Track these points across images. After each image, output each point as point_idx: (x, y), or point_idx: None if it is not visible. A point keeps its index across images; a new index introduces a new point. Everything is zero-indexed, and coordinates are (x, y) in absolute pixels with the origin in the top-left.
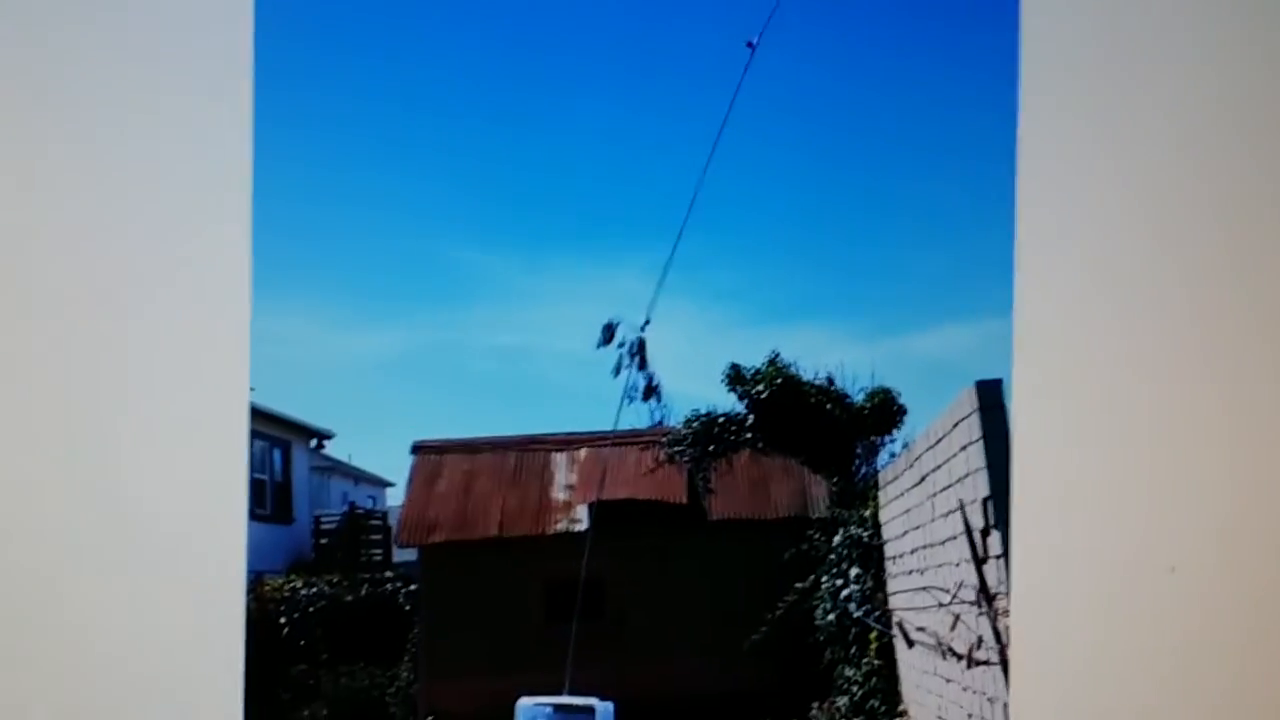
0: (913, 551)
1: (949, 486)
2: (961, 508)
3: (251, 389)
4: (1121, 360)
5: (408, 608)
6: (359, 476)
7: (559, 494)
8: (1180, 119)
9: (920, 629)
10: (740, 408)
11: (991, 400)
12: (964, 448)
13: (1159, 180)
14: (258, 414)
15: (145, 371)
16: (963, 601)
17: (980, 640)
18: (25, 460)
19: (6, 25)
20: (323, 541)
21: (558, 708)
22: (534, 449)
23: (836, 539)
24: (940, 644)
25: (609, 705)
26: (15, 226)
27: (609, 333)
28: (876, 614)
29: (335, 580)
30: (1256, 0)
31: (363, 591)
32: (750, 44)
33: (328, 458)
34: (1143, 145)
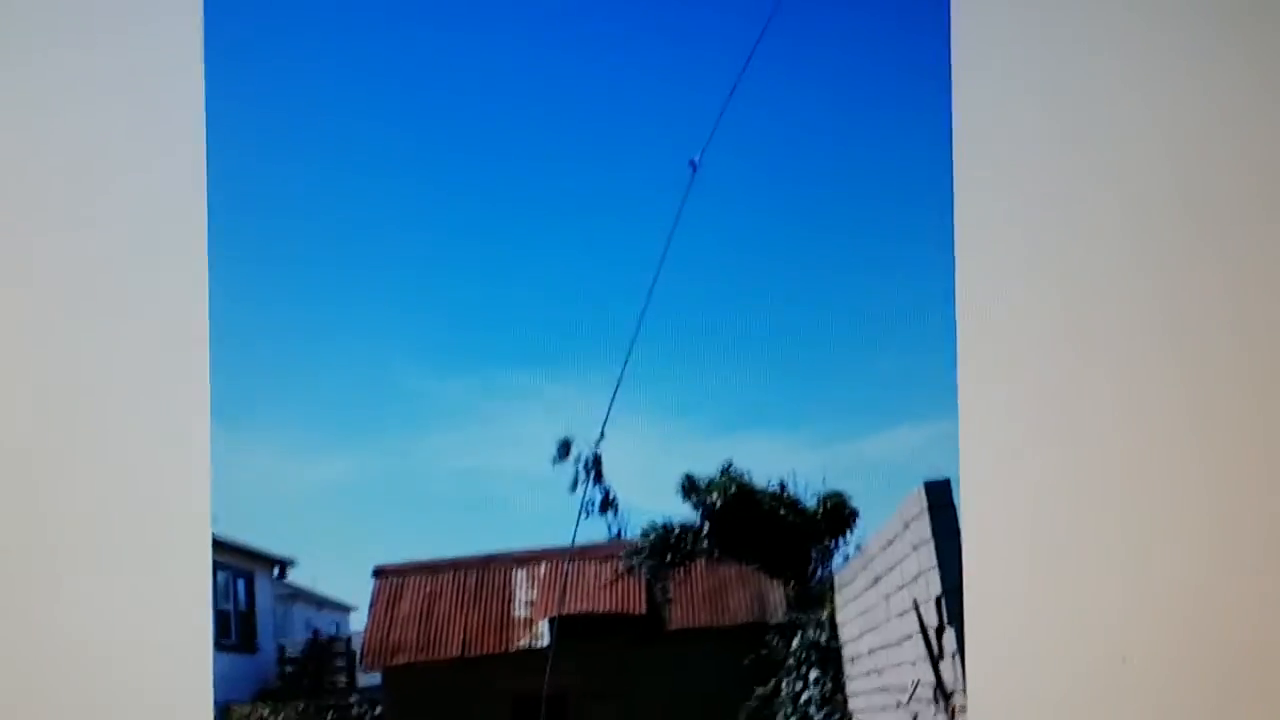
0: (870, 652)
1: (903, 586)
2: (916, 607)
3: (213, 520)
4: (1064, 459)
5: None
6: (322, 602)
7: (520, 610)
8: (1118, 216)
9: None
10: (695, 517)
11: (941, 500)
12: (915, 547)
13: (1093, 284)
14: (220, 545)
15: (109, 507)
16: (920, 700)
17: None
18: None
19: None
20: (288, 669)
21: None
22: (494, 567)
23: (795, 643)
24: None
25: None
26: None
27: (565, 449)
28: (836, 716)
29: (302, 707)
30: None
31: (329, 717)
32: (693, 162)
33: (290, 585)
34: (1075, 255)
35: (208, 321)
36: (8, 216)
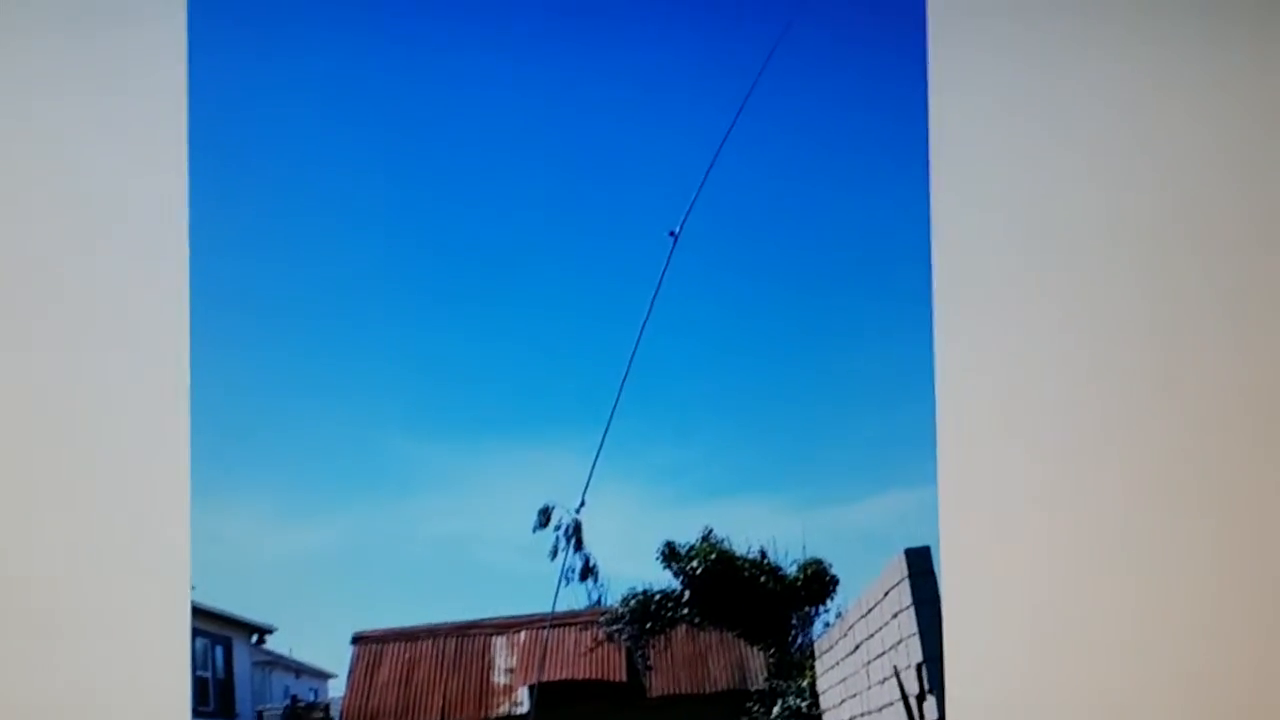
0: (851, 719)
1: (883, 653)
2: (896, 674)
3: (192, 588)
4: (1045, 526)
5: None
6: (300, 669)
7: (500, 678)
8: (1100, 282)
9: None
10: (676, 584)
11: (921, 567)
12: (896, 615)
13: (1074, 351)
14: (199, 612)
15: (87, 572)
16: None
17: None
18: None
19: None
20: None
21: None
22: (473, 634)
23: (775, 710)
24: None
25: None
26: None
27: (545, 516)
28: None
29: None
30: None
31: None
32: (673, 233)
33: (269, 652)
34: (1056, 321)
35: (188, 384)
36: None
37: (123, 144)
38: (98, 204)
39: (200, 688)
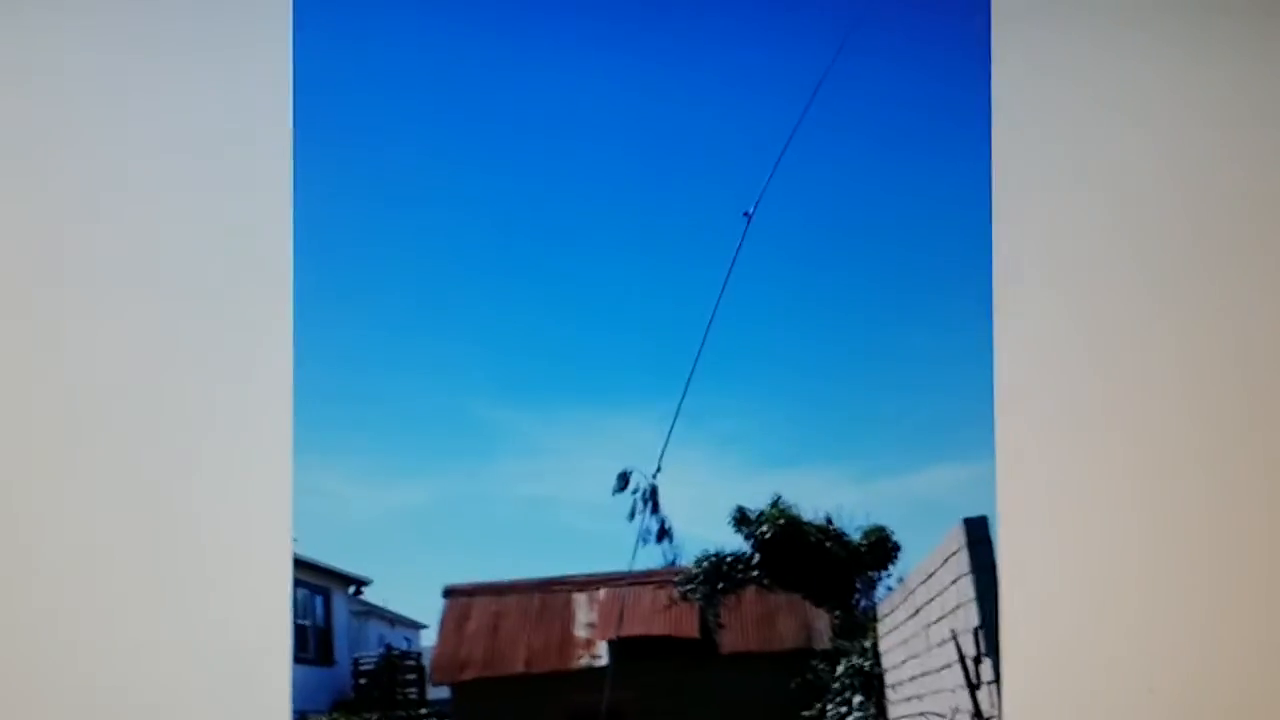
0: (911, 679)
1: (942, 618)
2: (954, 637)
3: (294, 540)
4: (1098, 495)
5: None
6: (395, 620)
7: (580, 631)
8: (1148, 272)
9: None
10: (746, 547)
11: (978, 536)
12: (954, 581)
13: (1130, 331)
14: (300, 564)
15: (196, 530)
16: None
17: None
18: (85, 611)
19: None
20: (362, 682)
21: None
22: (556, 590)
23: (839, 669)
24: None
25: None
26: (77, 405)
27: (623, 481)
28: None
29: (374, 718)
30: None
31: None
32: (747, 214)
33: (365, 603)
34: (1113, 301)
35: (292, 353)
36: (103, 250)
37: (229, 121)
38: (206, 176)
39: (301, 635)
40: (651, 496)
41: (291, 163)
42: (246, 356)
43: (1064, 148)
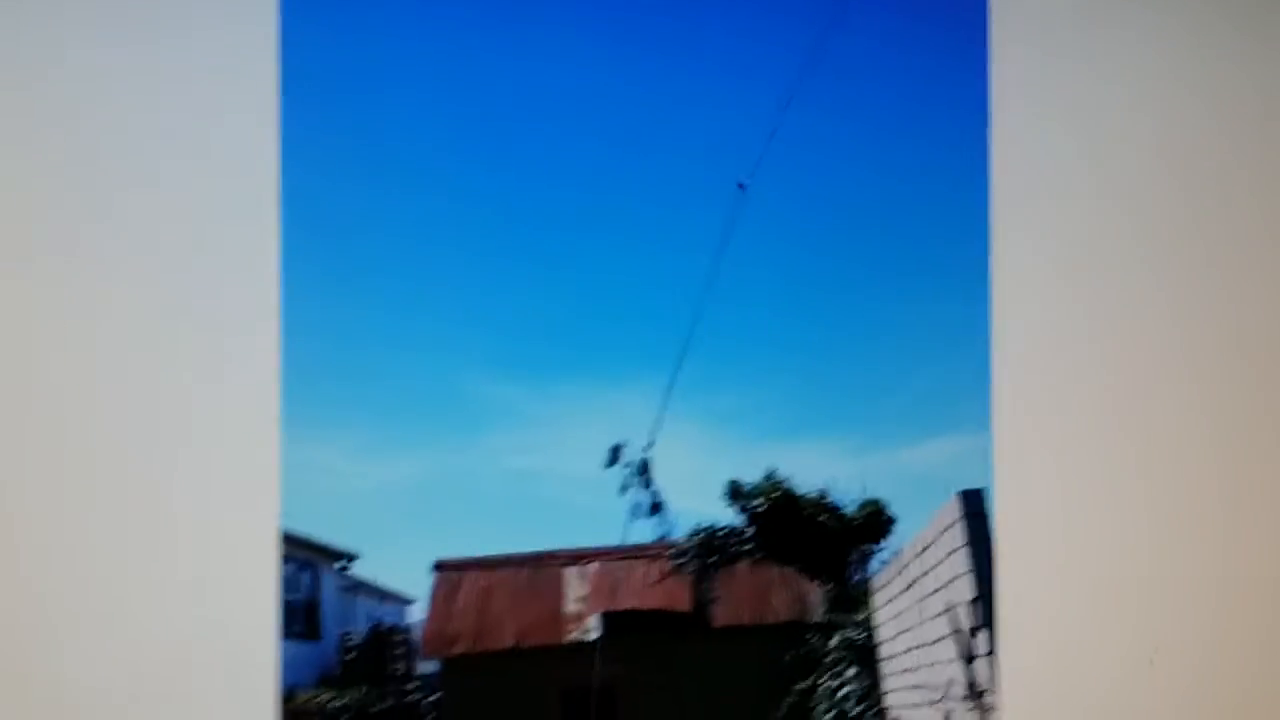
0: (906, 651)
1: (937, 590)
2: (949, 610)
3: (282, 515)
4: (1096, 466)
5: (431, 716)
6: (383, 594)
7: (571, 606)
8: (1144, 242)
9: None
10: (740, 521)
11: (974, 508)
12: (950, 553)
13: (1124, 300)
14: (288, 538)
15: (184, 499)
16: (953, 698)
17: None
18: (66, 587)
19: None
20: (350, 657)
21: None
22: (547, 564)
23: (833, 642)
24: None
25: None
26: (62, 380)
27: (615, 454)
28: (873, 712)
29: (363, 692)
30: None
31: (388, 702)
32: (741, 185)
33: (353, 578)
34: (1108, 275)
35: (279, 327)
36: (86, 223)
37: (213, 87)
38: (192, 155)
39: (289, 610)
40: (644, 470)
41: (278, 123)
42: (233, 331)
43: (1063, 122)
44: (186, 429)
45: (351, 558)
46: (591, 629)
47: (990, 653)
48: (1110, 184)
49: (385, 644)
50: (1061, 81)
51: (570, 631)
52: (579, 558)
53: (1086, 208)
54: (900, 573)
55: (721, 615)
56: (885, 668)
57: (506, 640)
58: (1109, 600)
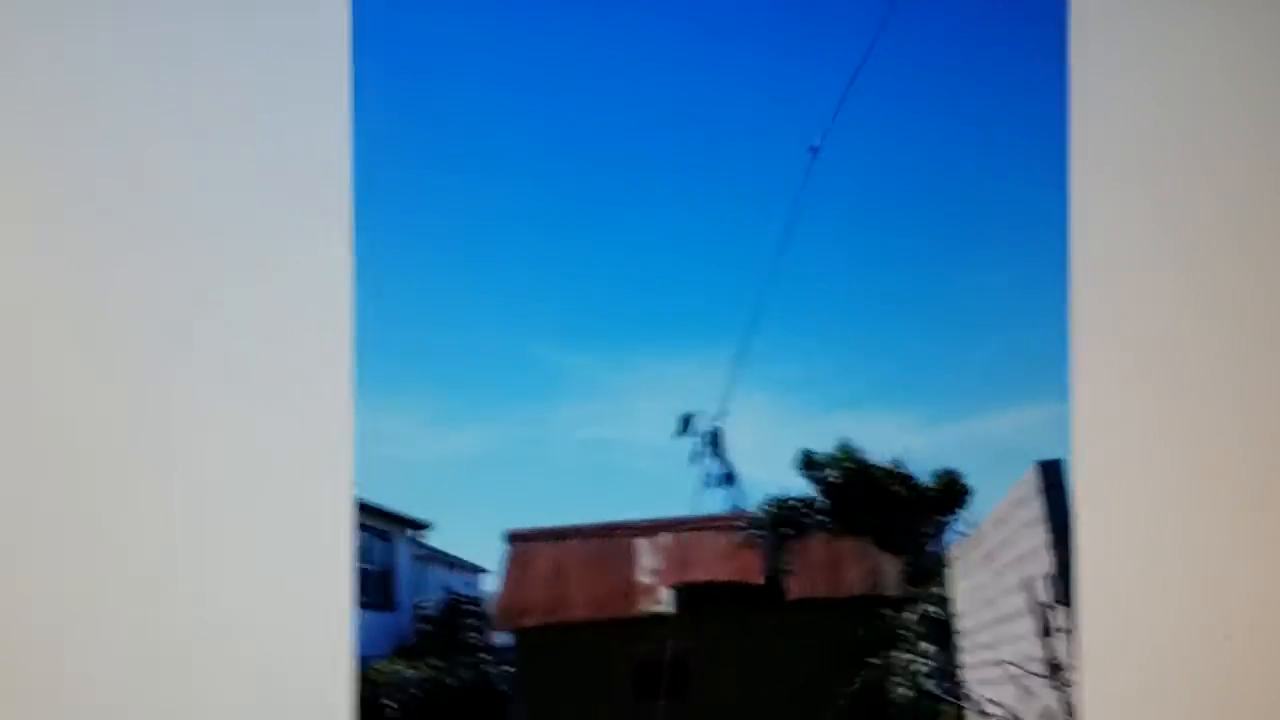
0: (982, 626)
1: (1015, 563)
2: (1027, 584)
3: (356, 485)
4: (1174, 439)
5: (503, 688)
6: (456, 564)
7: (643, 577)
8: (1232, 205)
9: (992, 701)
10: (813, 492)
11: (1053, 480)
12: (1028, 526)
13: (1207, 266)
14: (362, 508)
15: (259, 475)
16: (1031, 674)
17: (1050, 711)
18: (146, 558)
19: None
20: (424, 627)
21: None
22: (619, 535)
23: (908, 616)
24: (1011, 716)
25: None
26: (139, 351)
27: (687, 423)
28: (948, 687)
29: (436, 663)
30: None
31: (462, 674)
32: (813, 148)
33: (427, 547)
34: (1191, 239)
35: (353, 299)
36: (162, 192)
37: (285, 59)
38: (262, 118)
39: (363, 580)
40: (715, 439)
41: (351, 115)
42: (307, 302)
43: (1146, 81)
44: (261, 399)
45: (424, 527)
46: (663, 601)
47: (1068, 628)
48: (1196, 146)
49: (458, 614)
50: (1144, 41)
51: (642, 603)
52: (651, 529)
53: (1171, 169)
54: (977, 545)
55: (795, 588)
56: (961, 642)
57: (578, 612)
58: (1188, 575)
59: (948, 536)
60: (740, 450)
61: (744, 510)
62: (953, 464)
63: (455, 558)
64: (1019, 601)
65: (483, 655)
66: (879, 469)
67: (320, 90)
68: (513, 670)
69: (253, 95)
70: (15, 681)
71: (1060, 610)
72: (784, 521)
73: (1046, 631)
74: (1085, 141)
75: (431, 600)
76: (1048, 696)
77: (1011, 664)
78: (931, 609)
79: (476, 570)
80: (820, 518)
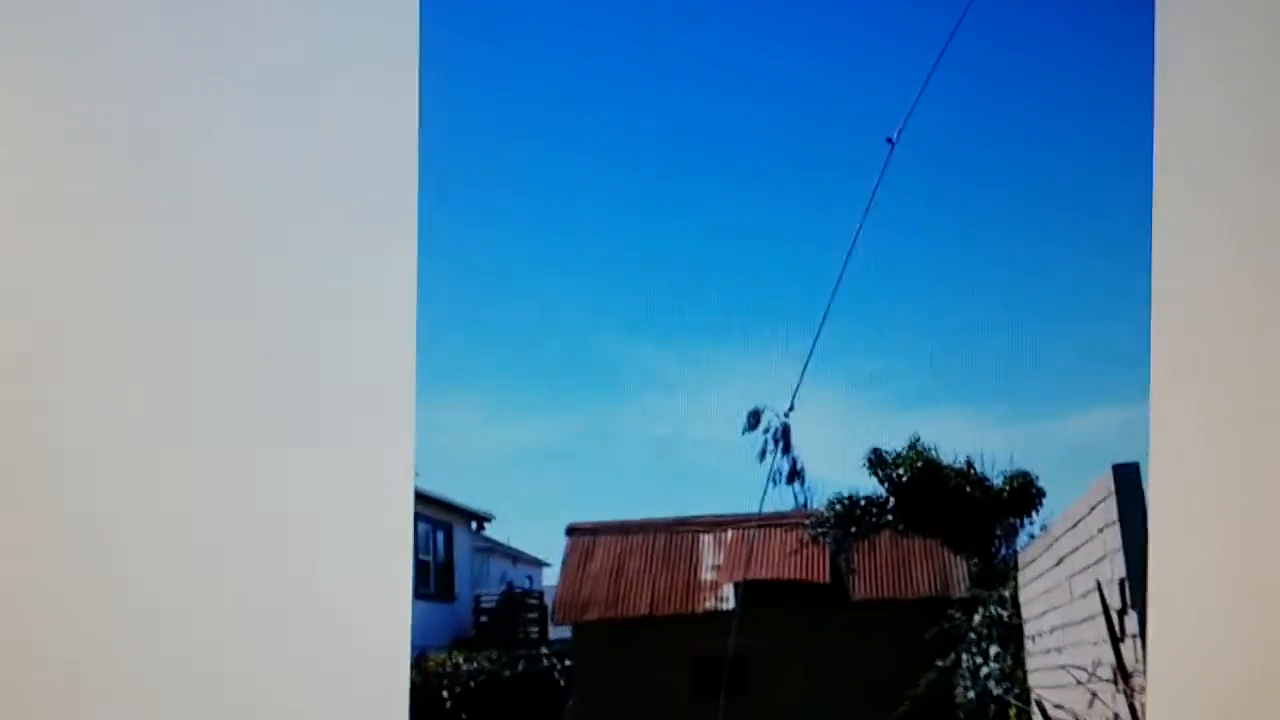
0: (1051, 631)
1: (1087, 568)
2: (1099, 588)
3: (416, 475)
4: (1254, 444)
5: (563, 683)
6: (517, 557)
7: (707, 574)
8: None
9: (1058, 706)
10: (881, 491)
11: (1128, 483)
12: (1101, 530)
13: None
14: (422, 498)
15: (321, 465)
16: (1100, 680)
17: (1117, 717)
18: (212, 550)
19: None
20: (483, 619)
21: None
22: (682, 531)
23: (976, 618)
24: None
25: None
26: (207, 335)
27: (754, 419)
28: (1015, 692)
29: (494, 656)
30: None
31: (520, 667)
32: (890, 140)
33: (487, 539)
34: (1276, 247)
35: (416, 290)
36: (232, 188)
37: (354, 40)
38: (333, 104)
39: (422, 571)
40: (783, 436)
41: (418, 96)
42: (370, 293)
43: (1232, 66)
44: (323, 390)
45: (485, 519)
46: (727, 598)
47: (1140, 634)
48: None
49: (518, 607)
50: (1230, 43)
51: (705, 600)
52: (714, 525)
53: (1254, 173)
54: (1048, 548)
55: (860, 588)
56: (1030, 646)
57: (640, 608)
58: (1262, 583)
59: (1019, 539)
60: (807, 447)
61: (810, 508)
62: (1026, 465)
63: (516, 550)
64: (1089, 606)
65: (542, 649)
66: (949, 469)
67: (388, 72)
68: (571, 664)
69: (321, 65)
70: (112, 657)
71: (1131, 616)
72: (851, 520)
73: (1117, 638)
74: (1169, 143)
75: (491, 593)
76: (1115, 703)
77: (1079, 669)
78: (1000, 612)
79: (537, 563)
80: (888, 517)
